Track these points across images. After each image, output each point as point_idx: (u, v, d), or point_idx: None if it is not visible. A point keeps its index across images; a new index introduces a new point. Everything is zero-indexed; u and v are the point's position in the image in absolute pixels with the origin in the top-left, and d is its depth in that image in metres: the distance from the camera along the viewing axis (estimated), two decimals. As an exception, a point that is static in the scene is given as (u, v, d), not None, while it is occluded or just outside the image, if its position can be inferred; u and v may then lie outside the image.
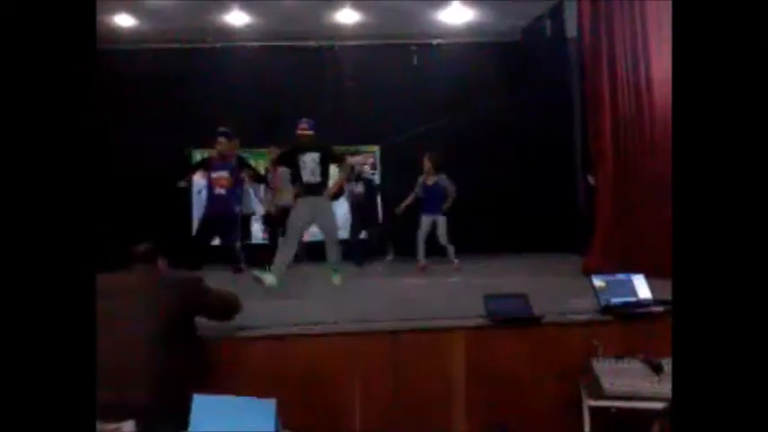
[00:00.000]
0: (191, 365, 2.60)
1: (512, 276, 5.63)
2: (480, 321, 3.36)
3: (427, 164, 6.91)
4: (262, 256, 6.09)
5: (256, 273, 4.99)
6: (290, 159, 5.75)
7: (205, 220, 6.06)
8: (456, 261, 6.68)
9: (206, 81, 8.72)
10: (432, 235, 6.84)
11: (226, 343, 3.19)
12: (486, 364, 3.27)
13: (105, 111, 8.33)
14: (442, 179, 6.90)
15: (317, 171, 5.53)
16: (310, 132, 5.65)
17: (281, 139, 8.15)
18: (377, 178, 8.94)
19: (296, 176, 5.74)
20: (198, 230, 6.34)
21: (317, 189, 5.49)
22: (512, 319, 3.36)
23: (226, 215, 5.94)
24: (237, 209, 6.17)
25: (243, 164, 6.23)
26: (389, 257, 7.88)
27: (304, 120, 5.73)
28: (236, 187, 6.05)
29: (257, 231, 8.45)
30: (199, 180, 7.18)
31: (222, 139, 6.04)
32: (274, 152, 6.72)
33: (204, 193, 6.35)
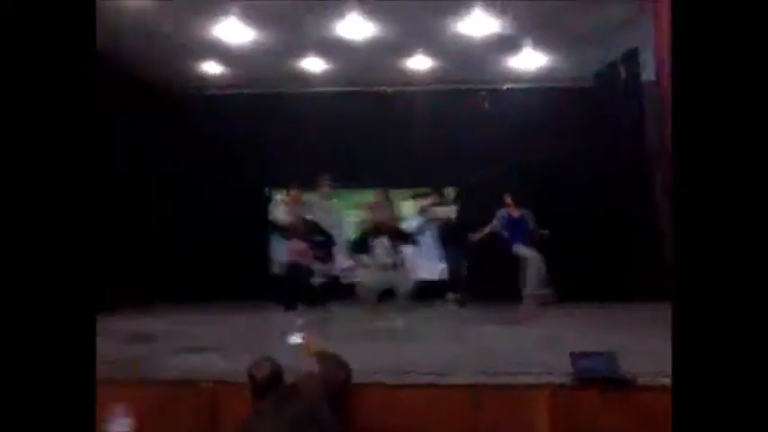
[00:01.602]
0: None
1: (600, 328, 5.37)
2: (566, 380, 3.22)
3: (509, 199, 6.72)
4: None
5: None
6: (363, 244, 5.99)
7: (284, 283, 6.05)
8: (549, 295, 6.33)
9: (285, 124, 9.11)
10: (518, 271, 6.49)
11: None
12: (571, 429, 3.11)
13: (191, 150, 8.97)
14: (527, 213, 6.66)
15: (391, 253, 5.80)
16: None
17: (357, 180, 8.38)
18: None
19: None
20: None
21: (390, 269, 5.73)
22: (600, 379, 3.21)
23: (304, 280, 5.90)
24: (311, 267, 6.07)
25: (314, 229, 6.13)
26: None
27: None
28: (310, 254, 5.93)
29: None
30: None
31: (293, 192, 6.06)
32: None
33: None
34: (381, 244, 5.88)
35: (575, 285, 7.70)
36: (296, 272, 5.77)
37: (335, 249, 6.80)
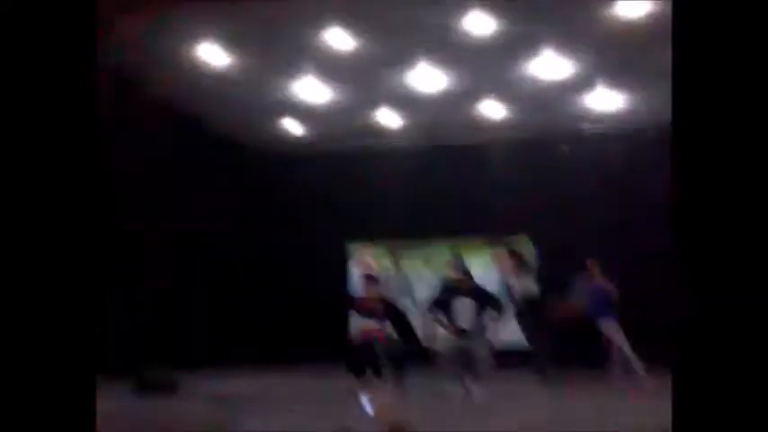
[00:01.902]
0: None
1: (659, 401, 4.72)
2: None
3: (593, 266, 6.37)
4: None
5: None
6: (444, 303, 5.69)
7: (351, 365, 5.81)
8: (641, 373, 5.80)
9: (364, 179, 9.37)
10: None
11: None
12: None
13: (272, 208, 9.39)
14: (606, 281, 6.27)
15: (472, 318, 5.45)
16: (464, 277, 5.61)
17: (435, 234, 8.33)
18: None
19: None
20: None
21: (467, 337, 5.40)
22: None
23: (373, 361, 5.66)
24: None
25: (392, 313, 5.87)
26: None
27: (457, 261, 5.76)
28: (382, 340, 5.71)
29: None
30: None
31: (367, 286, 5.44)
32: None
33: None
34: (464, 305, 5.53)
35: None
36: (367, 350, 5.56)
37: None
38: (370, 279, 5.60)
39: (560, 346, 6.88)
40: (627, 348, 5.98)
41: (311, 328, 8.55)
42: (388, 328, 5.41)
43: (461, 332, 5.47)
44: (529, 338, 6.97)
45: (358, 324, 5.47)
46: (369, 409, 3.25)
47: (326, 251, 9.17)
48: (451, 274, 6.05)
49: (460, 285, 5.74)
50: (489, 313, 5.62)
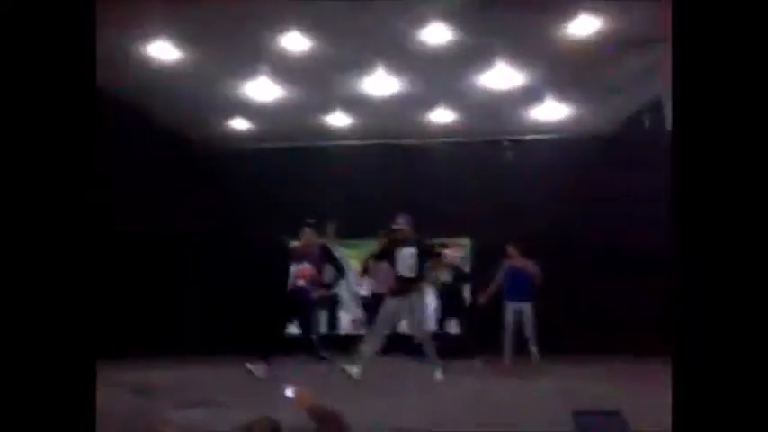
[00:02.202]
0: None
1: (606, 384, 5.16)
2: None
3: (512, 250, 6.66)
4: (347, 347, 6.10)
5: (344, 366, 5.01)
6: (387, 254, 5.83)
7: (283, 309, 6.10)
8: (537, 356, 6.25)
9: (309, 177, 9.38)
10: (519, 326, 6.45)
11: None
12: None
13: (215, 203, 9.28)
14: (530, 264, 6.58)
15: (414, 266, 5.57)
16: (406, 228, 5.74)
17: (376, 232, 8.43)
18: (467, 270, 8.83)
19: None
20: (275, 320, 6.36)
21: (412, 284, 5.52)
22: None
23: (303, 306, 5.96)
24: (315, 299, 6.14)
25: (327, 255, 6.28)
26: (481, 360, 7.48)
27: (400, 216, 5.85)
28: (316, 279, 6.07)
29: (345, 322, 8.53)
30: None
31: (306, 230, 6.12)
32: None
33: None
34: (408, 254, 5.74)
35: (589, 336, 7.51)
36: (297, 297, 5.81)
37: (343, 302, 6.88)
38: (308, 225, 5.93)
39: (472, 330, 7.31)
40: (529, 331, 6.24)
41: (242, 322, 8.50)
42: (320, 273, 5.74)
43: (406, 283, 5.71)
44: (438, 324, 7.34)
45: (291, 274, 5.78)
46: (289, 393, 3.29)
47: (268, 249, 9.10)
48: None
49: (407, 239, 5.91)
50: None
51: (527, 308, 6.44)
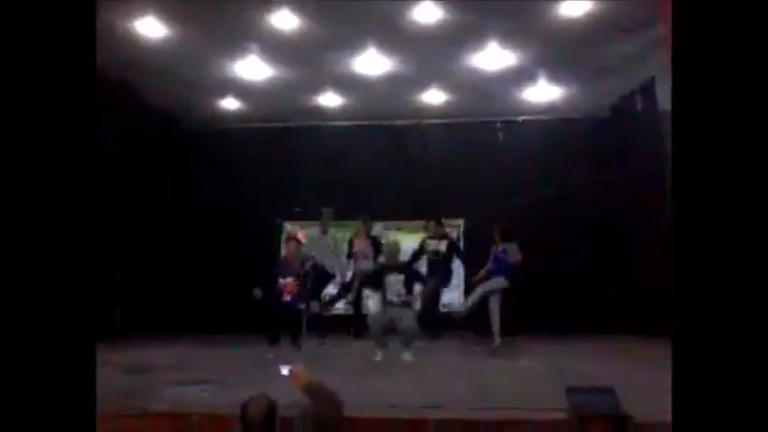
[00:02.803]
0: None
1: (597, 362, 5.23)
2: (561, 416, 3.11)
3: (496, 234, 6.82)
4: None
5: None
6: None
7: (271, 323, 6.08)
8: (498, 341, 6.32)
9: (299, 157, 9.32)
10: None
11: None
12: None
13: (206, 183, 9.23)
14: (510, 246, 6.67)
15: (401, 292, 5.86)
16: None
17: (368, 210, 8.45)
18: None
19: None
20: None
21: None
22: (598, 416, 3.09)
23: (291, 320, 5.91)
24: (301, 312, 6.11)
25: (313, 269, 6.22)
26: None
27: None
28: (302, 293, 6.02)
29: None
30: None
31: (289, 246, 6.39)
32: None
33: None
34: (397, 281, 5.95)
35: (580, 317, 7.61)
36: (285, 311, 5.83)
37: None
38: (292, 240, 6.01)
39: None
40: (495, 314, 6.33)
41: (235, 299, 8.50)
42: (304, 287, 5.79)
43: (396, 303, 5.84)
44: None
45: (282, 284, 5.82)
46: (285, 371, 3.33)
47: (258, 228, 9.09)
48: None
49: (393, 263, 6.11)
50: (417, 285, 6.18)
51: (499, 281, 6.52)
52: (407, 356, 5.45)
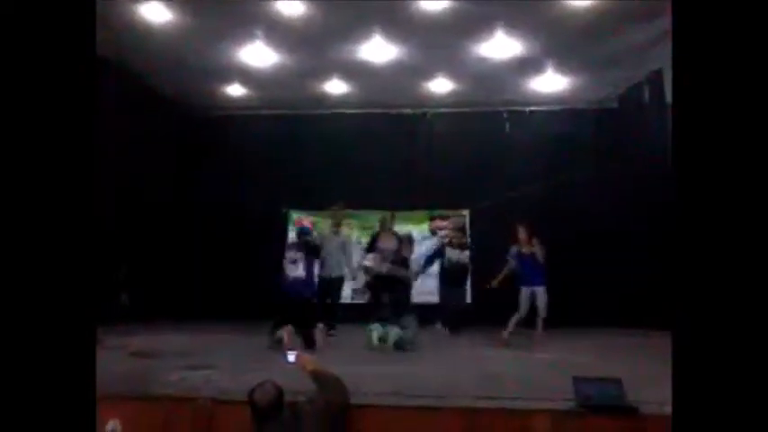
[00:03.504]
0: None
1: (606, 355, 5.23)
2: (568, 405, 3.12)
3: (522, 233, 6.41)
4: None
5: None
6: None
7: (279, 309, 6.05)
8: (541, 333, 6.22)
9: (305, 145, 9.28)
10: (531, 307, 6.41)
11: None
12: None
13: (212, 169, 9.22)
14: (538, 247, 6.30)
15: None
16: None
17: (373, 200, 8.44)
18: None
19: None
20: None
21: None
22: (604, 406, 3.09)
23: (299, 305, 5.87)
24: (309, 298, 6.09)
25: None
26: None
27: None
28: (308, 281, 5.92)
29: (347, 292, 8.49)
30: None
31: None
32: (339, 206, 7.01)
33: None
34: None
35: (587, 310, 7.59)
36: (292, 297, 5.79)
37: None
38: (299, 224, 5.98)
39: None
40: (543, 312, 6.18)
41: (248, 285, 8.50)
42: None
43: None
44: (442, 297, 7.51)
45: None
46: (291, 358, 3.34)
47: (263, 215, 9.10)
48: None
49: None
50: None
51: (541, 291, 6.30)
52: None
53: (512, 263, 6.45)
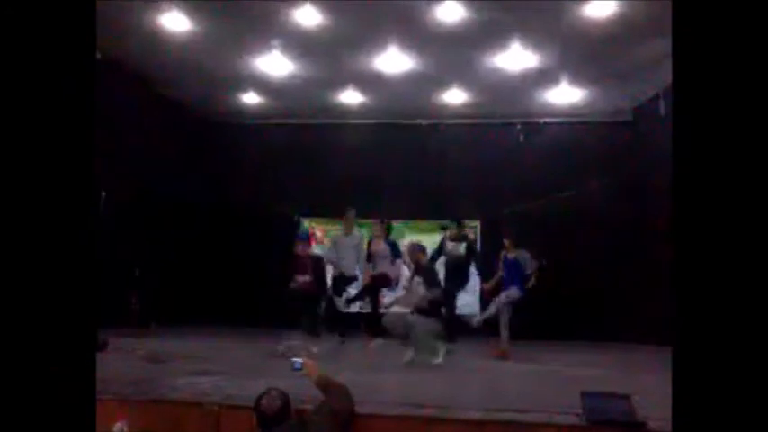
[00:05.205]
0: None
1: (607, 369, 5.17)
2: (573, 420, 3.09)
3: (506, 240, 6.68)
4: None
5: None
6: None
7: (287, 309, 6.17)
8: (504, 347, 6.21)
9: (318, 154, 9.37)
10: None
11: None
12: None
13: (226, 174, 9.33)
14: (522, 253, 6.54)
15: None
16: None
17: (386, 210, 8.45)
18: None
19: None
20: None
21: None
22: (612, 422, 3.06)
23: (307, 304, 6.00)
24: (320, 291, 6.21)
25: (316, 267, 6.26)
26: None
27: None
28: (313, 289, 6.08)
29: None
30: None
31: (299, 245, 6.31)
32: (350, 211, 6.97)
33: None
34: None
35: (593, 324, 7.51)
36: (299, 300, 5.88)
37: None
38: (301, 239, 6.04)
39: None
40: (504, 324, 6.24)
41: (258, 292, 8.53)
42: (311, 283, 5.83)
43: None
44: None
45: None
46: (297, 366, 3.35)
47: (276, 223, 9.16)
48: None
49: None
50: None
51: (513, 291, 6.38)
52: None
53: (500, 271, 6.66)
